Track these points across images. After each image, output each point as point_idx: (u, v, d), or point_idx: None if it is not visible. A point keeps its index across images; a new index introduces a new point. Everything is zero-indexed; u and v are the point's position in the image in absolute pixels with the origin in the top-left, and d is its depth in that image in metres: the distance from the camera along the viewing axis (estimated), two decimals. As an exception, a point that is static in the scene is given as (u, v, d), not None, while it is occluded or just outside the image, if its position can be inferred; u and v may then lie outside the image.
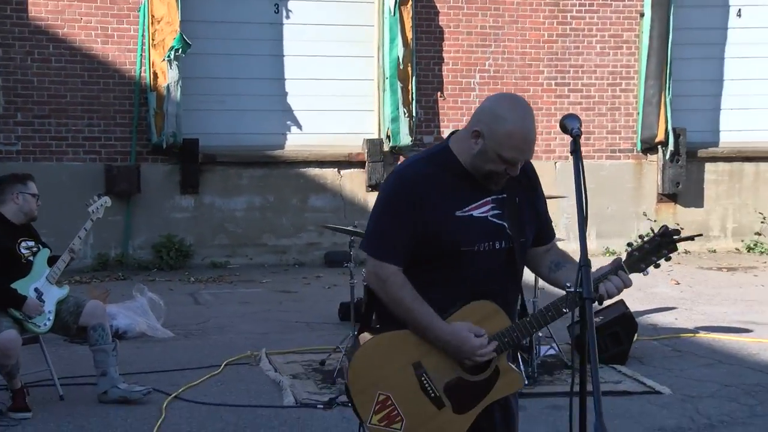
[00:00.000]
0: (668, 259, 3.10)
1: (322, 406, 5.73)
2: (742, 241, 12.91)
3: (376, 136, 11.94)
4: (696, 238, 3.31)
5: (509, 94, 3.21)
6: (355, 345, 3.21)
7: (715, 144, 13.03)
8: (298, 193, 11.77)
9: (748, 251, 12.76)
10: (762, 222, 12.86)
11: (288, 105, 11.85)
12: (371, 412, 3.07)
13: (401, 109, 11.57)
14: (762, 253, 12.68)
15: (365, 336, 3.16)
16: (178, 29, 10.76)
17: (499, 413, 3.20)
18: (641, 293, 9.05)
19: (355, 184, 11.91)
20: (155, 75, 10.89)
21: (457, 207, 3.07)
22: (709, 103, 13.01)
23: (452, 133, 3.20)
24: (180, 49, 10.73)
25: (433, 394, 3.07)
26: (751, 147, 12.94)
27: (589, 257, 2.80)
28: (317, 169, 11.81)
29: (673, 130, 12.34)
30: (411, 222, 3.04)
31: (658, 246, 3.08)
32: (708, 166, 12.90)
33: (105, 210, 6.15)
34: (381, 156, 11.78)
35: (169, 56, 10.74)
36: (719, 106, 13.04)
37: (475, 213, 3.09)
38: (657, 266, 3.11)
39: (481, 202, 3.10)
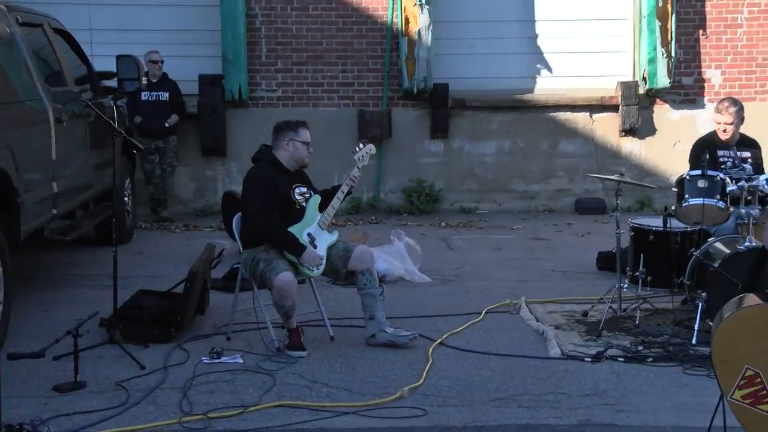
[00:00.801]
0: None
1: (590, 359, 5.56)
2: None
3: (630, 79, 11.44)
4: None
5: None
6: (736, 306, 2.91)
7: None
8: (548, 138, 11.51)
9: None
10: None
11: (538, 47, 11.57)
12: (734, 387, 2.83)
13: (659, 49, 10.99)
14: None
15: (750, 299, 2.88)
16: (431, -28, 10.71)
17: None
18: None
19: (608, 129, 11.49)
20: (407, 20, 10.92)
21: None
22: None
23: None
24: (432, -7, 10.70)
25: None
26: None
27: None
28: (568, 113, 11.48)
29: None
30: None
31: None
32: None
33: (370, 157, 6.19)
34: (636, 99, 11.28)
35: (420, 0, 10.71)
36: None
37: None
38: None
39: None
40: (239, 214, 5.89)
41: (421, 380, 5.22)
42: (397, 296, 7.13)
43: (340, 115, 11.25)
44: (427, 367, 5.41)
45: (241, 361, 5.53)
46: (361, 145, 6.22)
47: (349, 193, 6.02)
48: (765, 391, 2.77)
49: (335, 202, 5.89)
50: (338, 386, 5.15)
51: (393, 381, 5.23)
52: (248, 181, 5.84)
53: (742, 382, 2.79)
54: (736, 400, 2.79)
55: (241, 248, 5.83)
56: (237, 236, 5.88)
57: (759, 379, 2.76)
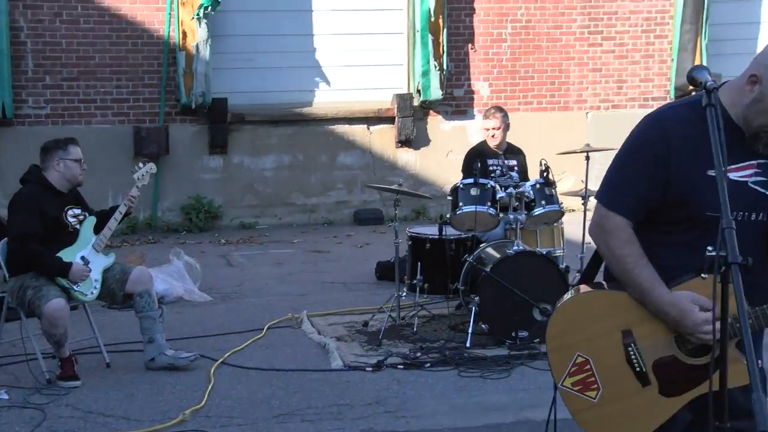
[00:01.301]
0: None
1: (371, 369, 5.66)
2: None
3: (405, 91, 11.76)
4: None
5: None
6: (569, 296, 2.91)
7: (751, 90, 12.76)
8: (327, 150, 11.63)
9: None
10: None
11: (317, 61, 11.67)
12: (565, 374, 2.80)
13: (432, 62, 11.37)
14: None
15: (579, 288, 2.88)
16: (207, -14, 10.58)
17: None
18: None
19: (385, 141, 11.75)
20: (184, 34, 10.73)
21: (712, 165, 2.55)
22: (745, 47, 12.70)
23: (723, 83, 2.79)
24: (209, 7, 10.56)
25: (638, 369, 2.76)
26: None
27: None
28: (346, 125, 11.65)
29: (709, 76, 12.09)
30: (653, 172, 2.68)
31: None
32: (743, 113, 12.66)
33: (150, 176, 6.04)
34: (411, 111, 11.61)
35: (198, 14, 10.58)
36: (755, 51, 12.75)
37: (733, 175, 2.68)
38: None
39: (745, 164, 2.69)
40: (5, 239, 5.57)
41: (203, 402, 5.13)
42: (177, 317, 6.98)
43: (115, 132, 10.89)
44: (209, 388, 5.33)
45: (6, 396, 5.20)
46: (141, 164, 6.07)
47: (128, 213, 5.83)
48: (593, 378, 2.80)
49: (112, 223, 5.70)
50: (116, 415, 4.97)
51: (174, 405, 5.11)
52: (11, 204, 5.55)
53: (572, 369, 2.80)
54: (567, 387, 2.82)
55: (6, 275, 5.51)
56: (2, 263, 5.56)
57: (588, 366, 2.79)
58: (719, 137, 2.48)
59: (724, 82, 2.80)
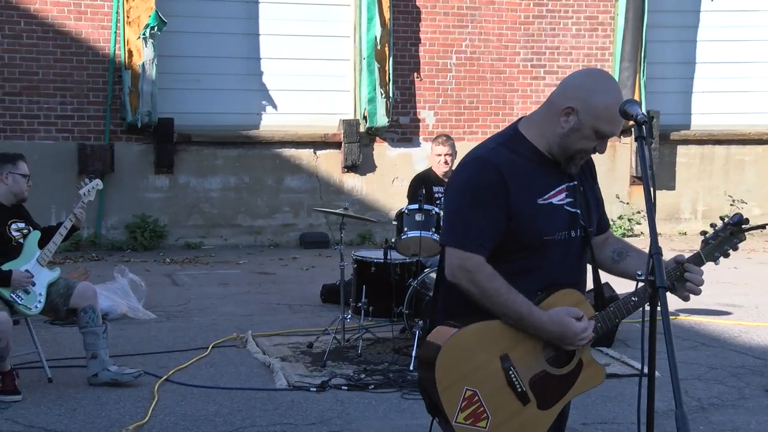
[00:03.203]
0: (736, 249, 3.09)
1: (315, 389, 5.70)
2: (712, 225, 13.04)
3: (352, 117, 11.90)
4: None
5: (596, 69, 3.13)
6: (430, 341, 3.00)
7: (687, 127, 13.17)
8: (273, 173, 11.70)
9: (718, 234, 12.91)
10: (731, 204, 13.03)
11: (264, 85, 11.76)
12: (457, 410, 2.86)
13: (378, 89, 11.53)
14: (732, 235, 12.83)
15: (445, 330, 2.97)
16: (154, 6, 10.61)
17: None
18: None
19: (331, 165, 11.86)
20: (130, 53, 10.74)
21: (538, 194, 2.95)
22: (682, 86, 13.13)
23: (518, 120, 3.08)
24: (156, 27, 10.58)
25: (519, 389, 2.92)
26: (722, 130, 13.10)
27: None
28: (293, 149, 11.74)
29: (647, 112, 12.44)
30: (497, 210, 2.91)
31: (731, 235, 3.08)
32: (680, 148, 13.05)
33: (96, 192, 6.04)
34: (357, 137, 11.74)
35: (144, 34, 10.59)
36: (692, 89, 13.17)
37: (554, 200, 2.98)
38: (726, 256, 3.09)
39: (558, 189, 3.00)
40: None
41: (147, 418, 5.12)
42: (122, 333, 6.96)
43: (59, 149, 10.83)
44: (153, 405, 5.32)
45: (-54, 409, 5.16)
46: (87, 180, 6.06)
47: (74, 229, 5.82)
48: (482, 408, 2.88)
49: (57, 238, 5.69)
50: (57, 429, 4.94)
51: (117, 420, 5.09)
52: (-47, 217, 5.51)
53: (463, 404, 2.87)
54: (461, 423, 2.87)
55: (-51, 288, 5.46)
56: (-56, 275, 5.51)
57: (476, 398, 2.88)
58: (649, 163, 2.72)
59: (521, 119, 3.08)
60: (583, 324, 2.93)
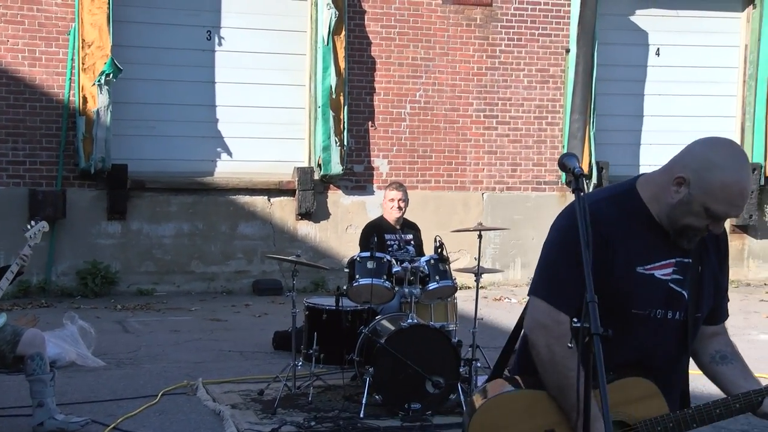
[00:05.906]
0: None
1: (265, 437, 5.70)
2: None
3: (306, 165, 11.97)
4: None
5: (725, 139, 2.70)
6: (484, 389, 2.84)
7: (636, 177, 13.39)
8: (227, 220, 11.70)
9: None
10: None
11: (219, 132, 11.81)
12: None
13: (332, 137, 11.62)
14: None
15: (501, 384, 2.81)
16: (110, 54, 10.63)
17: None
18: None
19: (286, 212, 11.90)
20: (84, 99, 10.73)
21: (639, 262, 2.64)
22: (631, 138, 13.41)
23: (640, 175, 2.81)
24: (111, 74, 10.60)
25: None
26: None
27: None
28: (247, 196, 11.76)
29: (597, 163, 12.69)
30: (594, 267, 2.50)
31: None
32: (629, 198, 13.24)
33: (42, 235, 6.01)
34: (311, 184, 11.81)
35: (99, 81, 10.59)
36: (640, 141, 13.45)
37: (657, 273, 2.69)
38: None
39: (666, 262, 2.70)
40: None
41: (94, 467, 5.08)
42: (70, 381, 6.88)
43: (10, 194, 10.75)
44: (100, 453, 5.28)
45: None
46: (33, 222, 6.04)
47: (20, 273, 5.79)
48: None
49: (3, 283, 5.65)
50: (2, 479, 4.88)
51: (63, 469, 5.04)
52: None
53: None
54: None
55: None
56: None
57: None
58: (584, 222, 2.49)
59: (642, 174, 2.83)
60: None
